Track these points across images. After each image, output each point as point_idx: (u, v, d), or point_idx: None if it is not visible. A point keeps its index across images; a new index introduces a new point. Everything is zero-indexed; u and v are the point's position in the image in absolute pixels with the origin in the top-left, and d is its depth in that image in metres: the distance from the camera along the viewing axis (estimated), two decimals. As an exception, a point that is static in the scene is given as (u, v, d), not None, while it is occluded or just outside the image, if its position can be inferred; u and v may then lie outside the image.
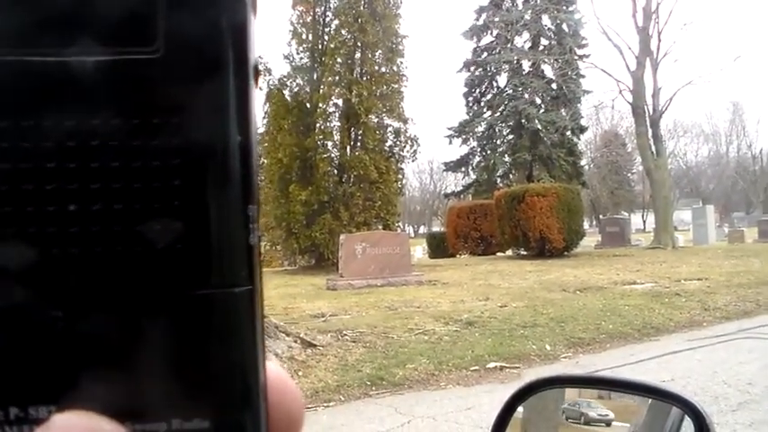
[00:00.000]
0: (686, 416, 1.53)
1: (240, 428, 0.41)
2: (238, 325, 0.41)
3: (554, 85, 52.62)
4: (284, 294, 18.48)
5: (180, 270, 0.40)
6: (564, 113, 52.40)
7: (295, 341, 11.24)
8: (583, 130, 59.12)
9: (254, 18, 0.43)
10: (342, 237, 21.72)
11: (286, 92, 29.84)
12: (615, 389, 1.80)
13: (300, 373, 10.15)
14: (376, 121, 30.36)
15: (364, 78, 29.98)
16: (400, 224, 41.80)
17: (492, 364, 10.89)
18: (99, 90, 0.39)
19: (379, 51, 30.35)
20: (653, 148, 36.14)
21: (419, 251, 43.21)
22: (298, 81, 30.26)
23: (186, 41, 0.40)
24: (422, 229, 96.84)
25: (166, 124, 0.40)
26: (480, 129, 56.46)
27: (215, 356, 0.41)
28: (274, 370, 0.45)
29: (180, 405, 0.40)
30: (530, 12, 53.20)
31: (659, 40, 37.17)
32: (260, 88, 0.44)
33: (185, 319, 0.40)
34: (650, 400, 1.71)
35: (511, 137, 55.19)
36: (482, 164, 55.34)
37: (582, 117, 56.95)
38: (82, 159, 0.39)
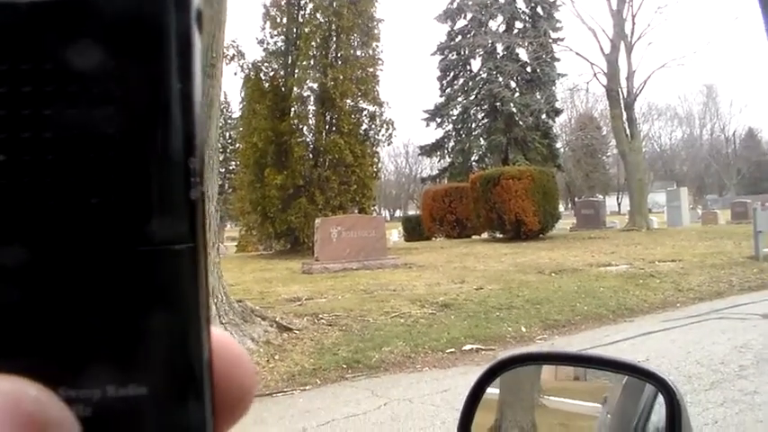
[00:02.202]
0: (659, 393, 1.54)
1: (181, 396, 0.39)
2: (178, 284, 0.39)
3: (528, 69, 52.78)
4: (260, 278, 18.46)
5: (114, 225, 0.38)
6: (539, 96, 52.45)
7: (271, 325, 11.23)
8: (558, 112, 59.47)
9: None
10: (317, 221, 21.69)
11: (261, 76, 29.69)
12: (588, 365, 1.80)
13: (277, 357, 10.15)
14: (351, 104, 30.30)
15: (339, 62, 29.89)
16: (376, 208, 41.84)
17: (468, 347, 10.94)
18: (29, 34, 0.37)
19: (355, 35, 30.25)
20: (627, 131, 36.30)
21: (395, 234, 43.26)
22: (272, 65, 30.14)
23: None
24: (398, 213, 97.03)
25: (100, 70, 0.37)
26: (455, 112, 56.58)
27: (152, 318, 0.38)
28: (223, 337, 0.44)
29: (115, 370, 0.37)
30: (504, -6, 53.27)
31: (633, 24, 37.33)
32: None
33: (120, 278, 0.38)
34: (624, 380, 1.71)
35: (486, 120, 55.34)
36: (457, 147, 55.46)
37: (557, 100, 57.25)
38: (11, 107, 0.37)
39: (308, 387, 9.26)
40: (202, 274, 0.40)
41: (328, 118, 29.86)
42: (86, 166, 0.37)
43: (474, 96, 55.82)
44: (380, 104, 31.29)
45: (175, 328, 0.39)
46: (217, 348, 0.42)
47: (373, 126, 31.31)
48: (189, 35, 0.40)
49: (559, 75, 54.91)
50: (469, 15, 55.54)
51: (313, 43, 29.23)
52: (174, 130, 0.39)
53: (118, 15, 0.38)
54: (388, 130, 31.69)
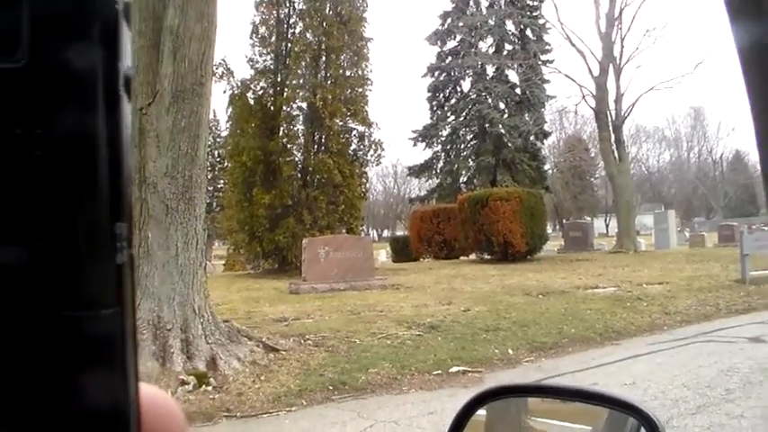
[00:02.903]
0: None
1: None
2: (105, 348, 0.39)
3: (518, 90, 52.90)
4: (247, 298, 18.40)
5: (42, 291, 0.37)
6: (527, 118, 52.60)
7: (257, 345, 11.19)
8: (546, 134, 59.52)
9: (126, 27, 0.40)
10: (305, 240, 21.63)
11: (249, 95, 29.66)
12: (568, 398, 1.79)
13: (263, 378, 10.10)
14: (340, 124, 30.29)
15: (329, 82, 29.90)
16: (364, 228, 41.79)
17: (454, 369, 10.90)
18: None
19: (344, 55, 30.28)
20: (615, 153, 36.46)
21: (383, 255, 43.24)
22: (261, 84, 30.11)
23: (52, 51, 0.38)
24: (386, 233, 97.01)
25: (28, 137, 0.37)
26: (444, 133, 56.65)
27: (80, 382, 0.38)
28: (155, 394, 0.44)
29: None
30: (494, 17, 53.41)
31: (622, 46, 37.57)
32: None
33: (48, 343, 0.37)
34: (610, 405, 1.70)
35: (474, 141, 55.38)
36: (446, 168, 55.50)
37: (545, 122, 57.30)
38: None
39: (293, 408, 9.21)
40: (130, 337, 0.40)
41: (317, 137, 29.84)
42: (11, 230, 0.37)
43: (463, 117, 55.85)
44: (369, 125, 31.28)
45: (101, 392, 0.38)
46: (148, 405, 0.42)
47: (362, 146, 31.30)
48: (117, 100, 0.40)
49: (548, 97, 55.02)
50: (459, 37, 55.65)
51: (302, 62, 29.23)
52: (101, 196, 0.39)
53: (46, 83, 0.38)
54: (376, 150, 31.70)
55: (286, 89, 29.15)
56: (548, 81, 53.67)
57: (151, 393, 0.43)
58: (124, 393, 0.39)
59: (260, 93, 29.91)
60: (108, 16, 0.39)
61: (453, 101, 57.29)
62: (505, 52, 53.81)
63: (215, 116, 57.58)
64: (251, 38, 30.51)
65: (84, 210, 0.38)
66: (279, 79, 29.60)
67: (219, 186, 58.12)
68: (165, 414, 0.45)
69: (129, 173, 0.41)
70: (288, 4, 30.12)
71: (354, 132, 31.14)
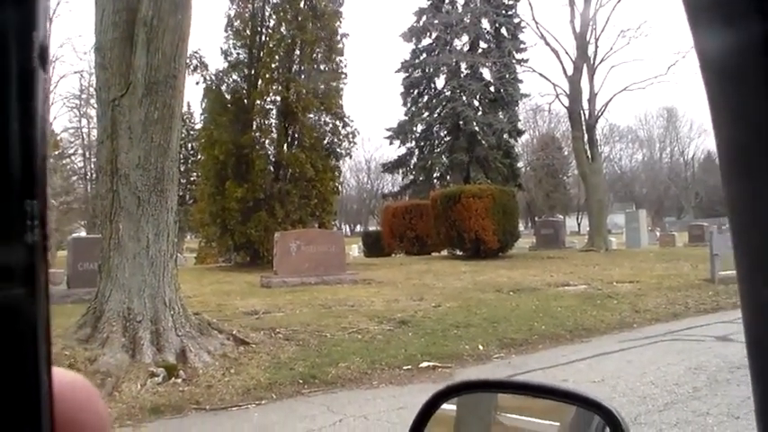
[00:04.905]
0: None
1: None
2: (13, 328, 0.37)
3: (492, 88, 52.97)
4: (218, 291, 18.34)
5: None
6: (501, 116, 52.78)
7: (228, 338, 11.15)
8: (520, 132, 59.80)
9: None
10: (277, 234, 21.59)
11: (223, 88, 29.53)
12: (532, 394, 1.79)
13: (233, 371, 10.06)
14: (314, 118, 30.23)
15: (302, 76, 29.81)
16: (336, 222, 41.74)
17: (425, 364, 10.90)
18: None
19: (318, 49, 30.19)
20: (588, 153, 36.58)
21: (355, 250, 43.23)
22: (235, 77, 29.98)
23: None
24: (358, 228, 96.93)
25: None
26: (418, 129, 56.67)
27: None
28: (74, 381, 0.43)
29: None
30: (469, 15, 53.44)
31: (596, 47, 37.72)
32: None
33: None
34: (578, 401, 1.70)
35: (448, 138, 55.45)
36: (420, 164, 55.54)
37: (519, 120, 57.65)
38: None
39: (263, 401, 9.18)
40: (42, 316, 0.38)
41: (290, 132, 29.76)
42: None
43: (437, 114, 55.93)
44: (343, 119, 31.25)
45: (9, 373, 0.37)
46: (64, 389, 0.40)
47: (335, 140, 31.25)
48: (31, 74, 0.38)
49: (522, 95, 55.31)
50: (435, 34, 55.69)
51: (276, 56, 29.15)
52: (10, 172, 0.37)
53: None
54: (350, 144, 31.69)
55: (260, 83, 29.05)
56: (521, 80, 53.99)
57: (69, 378, 0.42)
58: (34, 376, 0.38)
59: (234, 86, 29.78)
60: None
61: (427, 98, 57.36)
62: (480, 50, 53.85)
63: (189, 108, 57.30)
64: (225, 31, 30.38)
65: None
66: (253, 72, 29.49)
67: (192, 179, 57.84)
68: (83, 398, 0.43)
69: (44, 148, 0.39)
70: (262, -3, 30.02)
71: (328, 127, 31.08)
